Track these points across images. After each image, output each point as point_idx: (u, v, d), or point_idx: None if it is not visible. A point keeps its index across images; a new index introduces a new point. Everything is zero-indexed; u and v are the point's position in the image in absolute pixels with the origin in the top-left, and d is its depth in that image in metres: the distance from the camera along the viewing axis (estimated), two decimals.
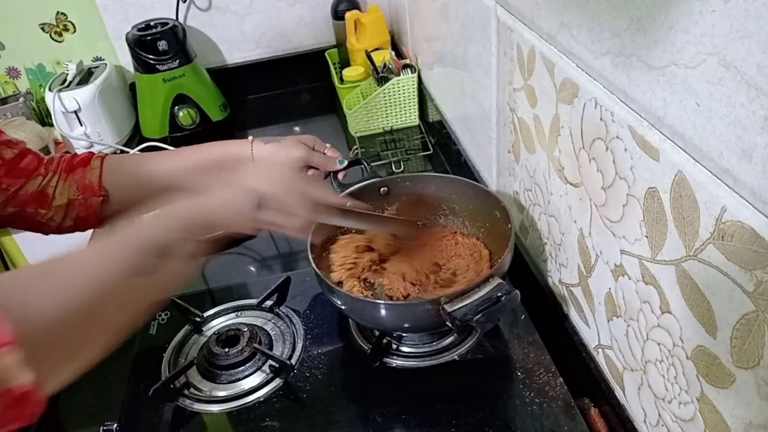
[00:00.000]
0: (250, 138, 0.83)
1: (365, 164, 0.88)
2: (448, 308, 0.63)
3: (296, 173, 0.67)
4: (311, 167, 0.84)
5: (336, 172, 0.86)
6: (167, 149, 1.26)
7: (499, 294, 0.64)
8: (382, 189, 0.87)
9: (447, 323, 0.64)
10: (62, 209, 0.76)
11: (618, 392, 0.63)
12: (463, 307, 0.63)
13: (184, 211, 0.57)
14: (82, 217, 0.78)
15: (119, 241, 0.52)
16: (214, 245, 0.59)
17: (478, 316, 0.62)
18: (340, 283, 0.79)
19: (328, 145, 0.86)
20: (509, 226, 0.75)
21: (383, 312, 0.69)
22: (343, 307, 0.73)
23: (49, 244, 0.77)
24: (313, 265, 0.73)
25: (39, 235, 0.79)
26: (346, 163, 0.85)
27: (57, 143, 1.42)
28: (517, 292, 0.64)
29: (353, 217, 0.71)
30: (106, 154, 0.81)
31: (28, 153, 0.77)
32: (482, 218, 0.84)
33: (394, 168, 1.19)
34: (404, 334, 0.76)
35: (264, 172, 0.63)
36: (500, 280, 0.65)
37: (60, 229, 0.78)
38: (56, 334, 0.44)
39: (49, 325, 0.43)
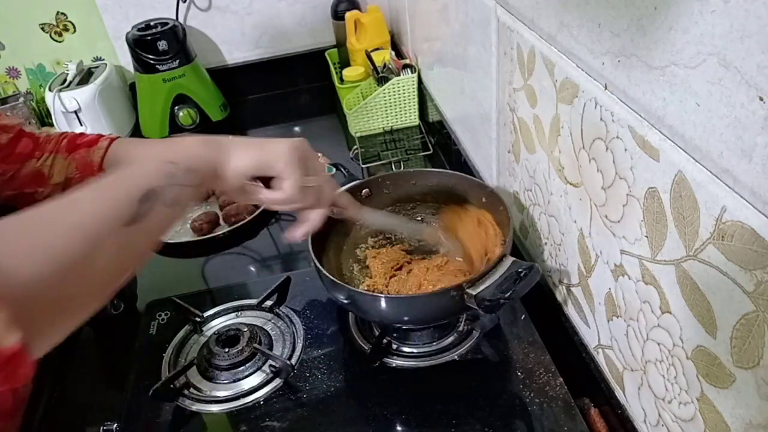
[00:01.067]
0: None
1: (342, 169, 0.88)
2: (473, 291, 0.64)
3: (315, 158, 0.65)
4: None
5: None
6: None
7: (519, 270, 0.65)
8: (363, 191, 0.86)
9: (473, 306, 0.65)
10: (59, 187, 0.75)
11: (618, 392, 0.63)
12: (488, 287, 0.64)
13: (185, 159, 0.55)
14: None
15: (106, 188, 0.49)
16: (199, 191, 0.57)
17: (507, 294, 0.63)
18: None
19: (319, 154, 0.86)
20: (501, 207, 0.76)
21: (408, 304, 0.70)
22: (346, 301, 0.72)
23: None
24: (315, 262, 0.73)
25: None
26: (333, 171, 0.85)
27: None
28: (537, 265, 0.65)
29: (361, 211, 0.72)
30: (118, 137, 0.81)
31: (23, 135, 0.75)
32: (471, 204, 0.84)
33: (394, 168, 1.19)
34: (414, 331, 0.76)
35: (288, 143, 0.62)
36: (513, 258, 0.66)
37: None
38: (43, 290, 0.41)
39: (35, 281, 0.40)
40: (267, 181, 0.63)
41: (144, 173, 0.51)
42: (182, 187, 0.53)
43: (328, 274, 0.71)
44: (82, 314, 0.45)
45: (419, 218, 0.89)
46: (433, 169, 0.88)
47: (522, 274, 0.64)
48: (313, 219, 0.66)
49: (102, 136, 0.79)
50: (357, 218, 0.77)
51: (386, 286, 0.80)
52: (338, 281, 0.70)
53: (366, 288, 0.80)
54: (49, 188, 0.74)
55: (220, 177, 0.58)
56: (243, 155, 0.59)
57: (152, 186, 0.50)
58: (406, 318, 0.73)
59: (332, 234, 0.84)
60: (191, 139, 0.58)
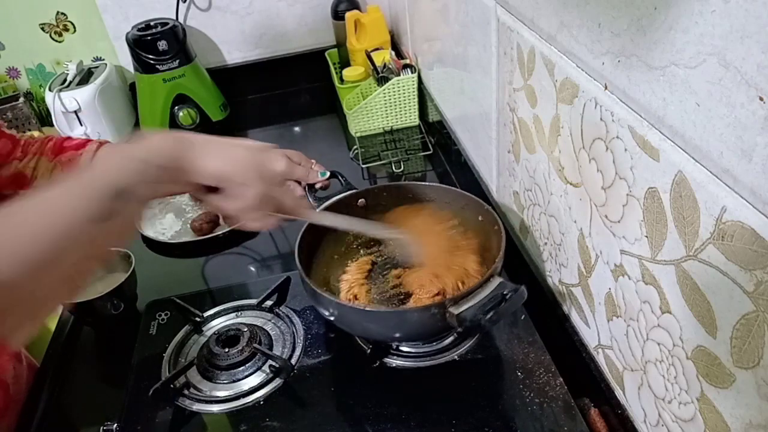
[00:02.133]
0: None
1: (340, 177, 0.87)
2: (455, 310, 0.62)
3: (264, 159, 0.63)
4: (291, 181, 0.84)
5: (313, 185, 0.85)
6: None
7: (504, 292, 0.63)
8: (359, 201, 0.86)
9: (453, 326, 0.64)
10: None
11: (618, 392, 0.63)
12: (470, 308, 0.62)
13: (148, 154, 0.54)
14: None
15: (77, 186, 0.49)
16: (169, 188, 0.56)
17: (488, 316, 0.62)
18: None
19: (313, 160, 0.86)
20: (496, 227, 0.74)
21: (385, 319, 0.68)
22: (332, 318, 0.71)
23: None
24: (300, 270, 0.72)
25: None
26: (327, 174, 0.85)
27: None
28: (524, 287, 0.64)
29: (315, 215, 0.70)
30: (107, 141, 0.80)
31: (2, 136, 0.75)
32: (467, 221, 0.83)
33: (394, 168, 1.19)
34: (403, 343, 0.76)
35: (254, 152, 0.60)
36: (501, 279, 0.65)
37: None
38: (14, 287, 0.41)
39: (5, 279, 0.41)
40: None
41: (114, 170, 0.51)
42: (152, 184, 0.52)
43: (310, 282, 0.70)
44: (52, 306, 0.46)
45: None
46: (432, 184, 0.87)
47: (507, 296, 0.63)
48: (263, 224, 0.63)
49: (90, 140, 0.78)
50: (305, 219, 0.74)
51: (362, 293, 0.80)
52: (319, 291, 0.69)
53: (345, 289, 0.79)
54: (31, 191, 0.74)
55: (188, 174, 0.56)
56: (212, 161, 0.57)
57: (123, 183, 0.50)
58: (383, 333, 0.72)
59: (323, 243, 0.84)
60: (162, 136, 0.56)
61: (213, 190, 0.59)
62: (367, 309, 0.71)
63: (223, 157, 0.58)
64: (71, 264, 0.46)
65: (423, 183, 0.89)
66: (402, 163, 1.20)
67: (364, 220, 0.77)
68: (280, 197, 0.63)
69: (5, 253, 0.42)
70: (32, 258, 0.43)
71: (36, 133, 1.39)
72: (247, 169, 0.59)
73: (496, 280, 0.65)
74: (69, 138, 0.78)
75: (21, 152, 0.74)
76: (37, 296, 0.44)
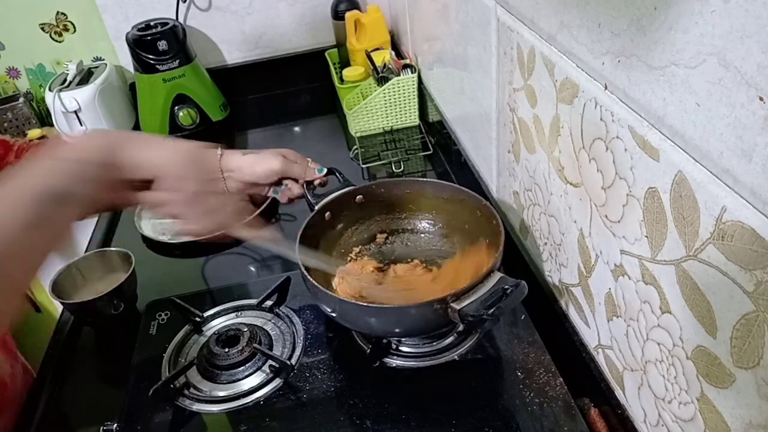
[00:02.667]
0: (219, 150, 0.82)
1: (338, 174, 0.87)
2: (457, 306, 0.63)
3: (202, 153, 0.61)
4: (289, 179, 0.84)
5: (312, 182, 0.85)
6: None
7: (504, 287, 0.64)
8: (357, 197, 0.86)
9: (456, 322, 0.64)
10: None
11: (618, 392, 0.63)
12: (472, 303, 0.63)
13: (80, 153, 0.52)
14: None
15: (11, 190, 0.47)
16: (102, 185, 0.53)
17: (491, 310, 0.62)
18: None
19: (309, 159, 0.86)
20: (494, 222, 0.75)
21: (387, 315, 0.68)
22: (333, 314, 0.72)
23: None
24: (302, 269, 0.72)
25: None
26: (325, 171, 0.85)
27: None
28: (524, 282, 0.64)
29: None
30: None
31: None
32: (465, 217, 0.83)
33: (394, 168, 1.19)
34: (404, 338, 0.76)
35: (172, 147, 0.58)
36: (501, 274, 0.65)
37: None
38: None
39: None
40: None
41: (47, 174, 0.49)
42: (89, 183, 0.51)
43: (312, 280, 0.70)
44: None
45: (410, 228, 0.89)
46: (429, 180, 0.87)
47: (508, 291, 0.63)
48: (201, 226, 0.62)
49: None
50: (240, 237, 0.72)
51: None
52: (322, 288, 0.69)
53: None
54: None
55: (123, 168, 0.54)
56: (147, 150, 0.56)
57: (58, 186, 0.48)
58: (386, 328, 0.72)
59: (321, 240, 0.84)
60: (91, 135, 0.55)
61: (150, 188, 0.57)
62: (369, 305, 0.71)
63: (158, 148, 0.56)
64: (6, 273, 0.44)
65: (420, 179, 0.89)
66: (402, 163, 1.20)
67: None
68: (220, 202, 0.61)
69: None
70: None
71: (37, 132, 1.39)
72: (184, 161, 0.57)
73: (497, 275, 0.65)
74: (63, 141, 0.77)
75: (14, 157, 0.74)
76: None
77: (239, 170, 0.79)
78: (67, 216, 0.49)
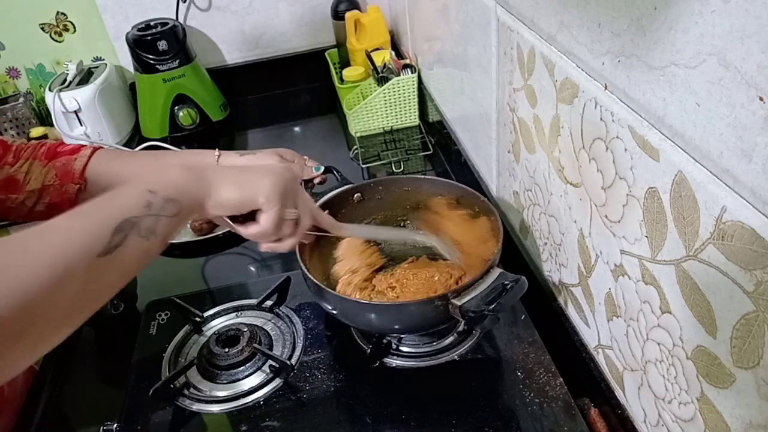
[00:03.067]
0: (216, 151, 0.82)
1: (335, 173, 0.87)
2: (458, 302, 0.63)
3: (300, 189, 0.64)
4: None
5: (309, 181, 0.85)
6: (169, 149, 1.26)
7: (504, 282, 0.64)
8: (355, 195, 0.86)
9: (457, 318, 0.64)
10: (35, 194, 0.73)
11: (618, 392, 0.63)
12: (473, 299, 0.63)
13: (152, 183, 0.53)
14: (55, 203, 0.74)
15: (81, 217, 0.47)
16: (178, 221, 0.54)
17: (492, 306, 0.62)
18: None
19: (306, 157, 0.86)
20: (492, 218, 0.75)
21: (388, 312, 0.69)
22: (334, 312, 0.72)
23: None
24: (303, 267, 0.72)
25: None
26: (322, 169, 0.85)
27: None
28: (524, 278, 0.64)
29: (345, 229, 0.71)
30: (101, 146, 0.80)
31: None
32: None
33: (394, 168, 1.19)
34: (405, 335, 0.76)
35: (272, 176, 0.60)
36: (501, 270, 0.65)
37: (30, 215, 0.75)
38: (6, 319, 0.39)
39: (1, 312, 0.39)
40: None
41: (121, 203, 0.50)
42: (159, 217, 0.51)
43: (313, 278, 0.70)
44: (48, 342, 0.44)
45: (404, 225, 0.88)
46: (427, 177, 0.87)
47: (508, 287, 0.63)
48: (284, 245, 0.64)
49: (83, 145, 0.78)
50: (340, 235, 0.76)
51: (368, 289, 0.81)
52: (322, 285, 0.70)
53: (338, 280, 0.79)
54: (23, 195, 0.73)
55: (201, 209, 0.56)
56: (225, 191, 0.57)
57: (127, 216, 0.48)
58: (386, 325, 0.72)
59: (321, 239, 0.84)
60: (174, 166, 0.55)
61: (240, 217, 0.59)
62: (369, 302, 0.72)
63: (234, 191, 0.57)
64: (69, 299, 0.44)
65: (418, 176, 0.89)
66: (402, 163, 1.20)
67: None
68: (301, 216, 0.63)
69: (3, 283, 0.40)
70: (26, 287, 0.41)
71: (40, 130, 1.39)
72: (259, 194, 0.58)
73: (497, 271, 0.65)
74: (62, 143, 0.78)
75: (13, 157, 0.74)
76: (29, 329, 0.42)
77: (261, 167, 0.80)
78: (137, 248, 0.49)
